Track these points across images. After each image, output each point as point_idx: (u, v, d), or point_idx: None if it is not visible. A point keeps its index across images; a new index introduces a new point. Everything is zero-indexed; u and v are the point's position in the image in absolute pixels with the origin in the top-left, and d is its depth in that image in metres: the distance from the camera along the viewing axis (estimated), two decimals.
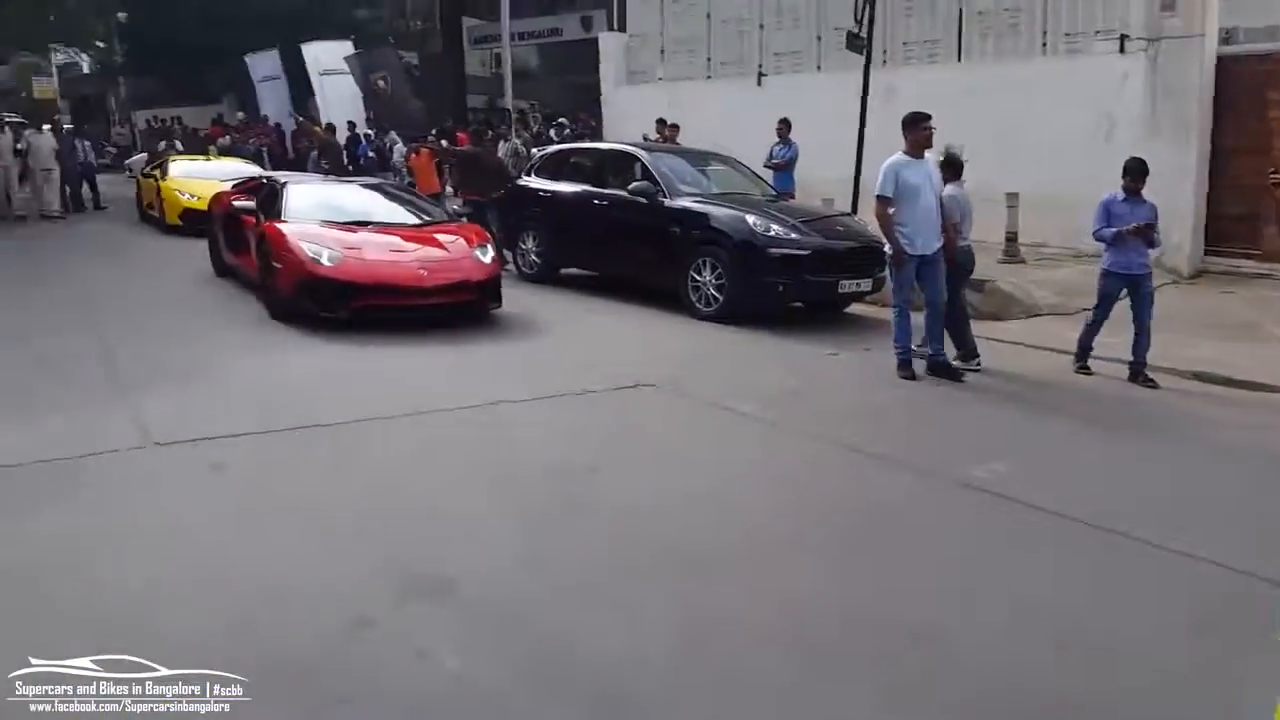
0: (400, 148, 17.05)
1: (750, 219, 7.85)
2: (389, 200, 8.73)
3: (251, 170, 13.87)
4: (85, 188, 15.97)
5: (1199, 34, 9.38)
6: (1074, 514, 3.84)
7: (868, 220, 9.19)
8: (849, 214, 9.34)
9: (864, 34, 10.21)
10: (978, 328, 7.81)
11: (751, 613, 3.01)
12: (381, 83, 20.65)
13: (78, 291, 8.54)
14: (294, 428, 4.68)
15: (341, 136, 19.51)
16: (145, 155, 22.73)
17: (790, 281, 7.67)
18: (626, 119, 14.72)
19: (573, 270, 9.65)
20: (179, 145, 20.18)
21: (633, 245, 8.71)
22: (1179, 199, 9.39)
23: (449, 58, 26.36)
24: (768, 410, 5.29)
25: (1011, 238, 9.79)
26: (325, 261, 6.85)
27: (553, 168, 10.17)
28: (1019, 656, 2.82)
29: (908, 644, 2.84)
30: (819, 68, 13.46)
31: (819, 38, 13.49)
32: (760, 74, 14.08)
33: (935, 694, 2.60)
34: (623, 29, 16.87)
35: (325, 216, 7.69)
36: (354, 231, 7.48)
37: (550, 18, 24.11)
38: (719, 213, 8.04)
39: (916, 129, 6.13)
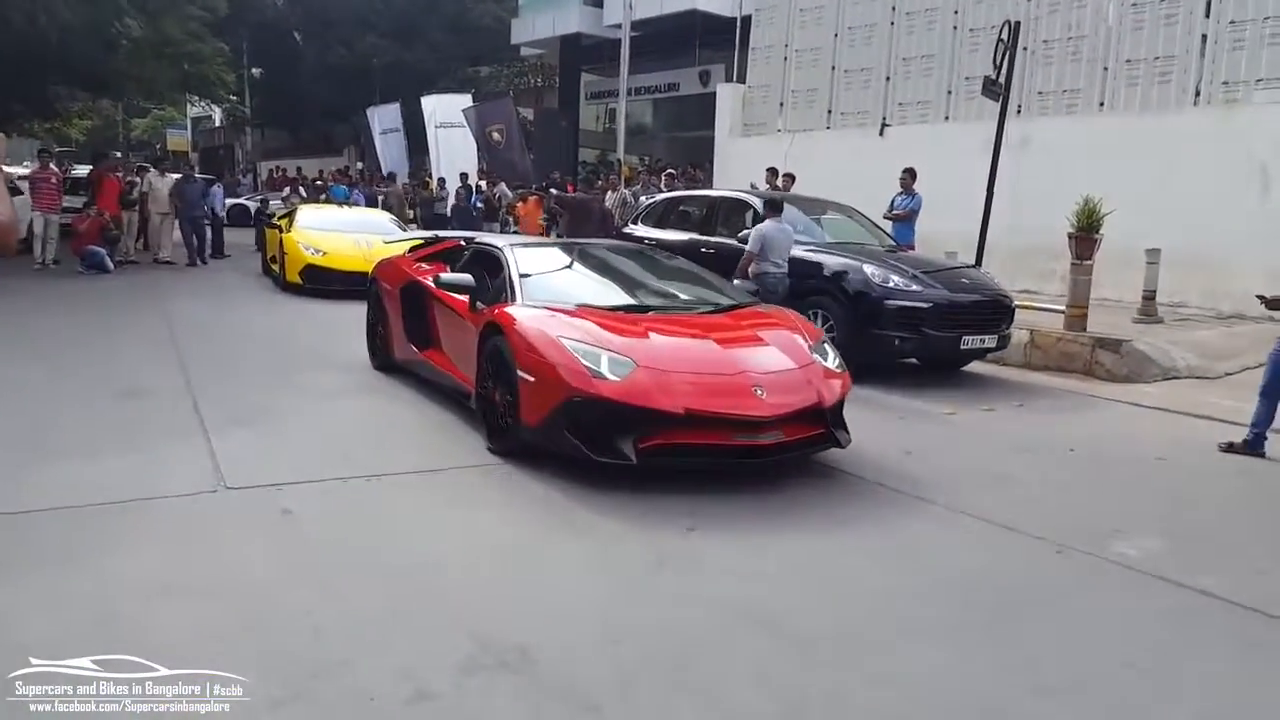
0: (505, 196, 17.67)
1: (868, 269, 7.71)
2: (660, 273, 6.35)
3: (383, 220, 13.28)
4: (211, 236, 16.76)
5: None
6: (1244, 600, 3.51)
7: (994, 272, 8.99)
8: (974, 266, 9.08)
9: (1001, 80, 10.07)
10: (1113, 390, 7.43)
11: (861, 697, 2.79)
12: (496, 134, 21.52)
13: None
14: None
15: (453, 186, 20.54)
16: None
17: (908, 336, 7.44)
18: (738, 171, 14.86)
19: None
20: (303, 192, 21.49)
21: None
22: None
23: (565, 111, 27.50)
24: (879, 474, 5.03)
25: (1149, 296, 9.33)
26: (607, 373, 4.53)
27: (659, 216, 10.30)
28: None
29: None
30: (947, 118, 13.32)
31: (949, 90, 13.40)
32: (884, 124, 14.04)
33: None
34: (741, 81, 17.18)
35: (579, 299, 5.41)
36: (634, 324, 5.08)
37: (667, 73, 24.82)
38: (832, 261, 7.93)
39: None
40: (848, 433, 5.04)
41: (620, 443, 4.47)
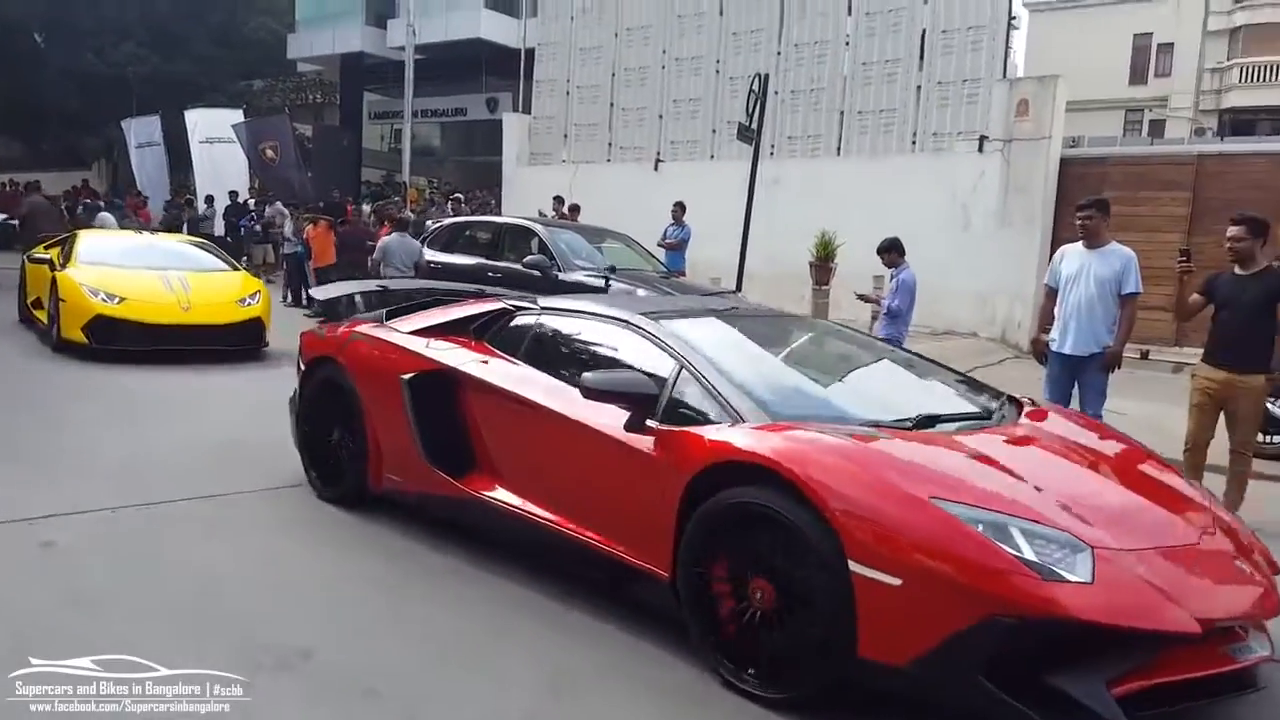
0: (281, 216, 17.54)
1: (640, 293, 8.95)
2: (849, 351, 4.53)
3: (197, 252, 10.45)
4: None
5: (1046, 137, 11.25)
6: None
7: (752, 298, 10.54)
8: (734, 292, 10.60)
9: (754, 127, 11.74)
10: None
11: None
12: (270, 151, 21.33)
13: None
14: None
15: (221, 205, 20.25)
16: None
17: None
18: (527, 198, 15.94)
19: None
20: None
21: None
22: (1024, 283, 11.15)
23: (347, 130, 27.55)
24: None
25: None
26: (1061, 570, 2.64)
27: (446, 240, 11.10)
28: None
29: None
30: (713, 157, 15.06)
31: (714, 130, 15.14)
32: (658, 160, 15.60)
33: None
34: (528, 111, 18.32)
35: (843, 410, 3.57)
36: (985, 457, 3.20)
37: (455, 97, 25.58)
38: (610, 287, 9.12)
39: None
40: None
41: (1076, 688, 2.59)
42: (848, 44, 13.63)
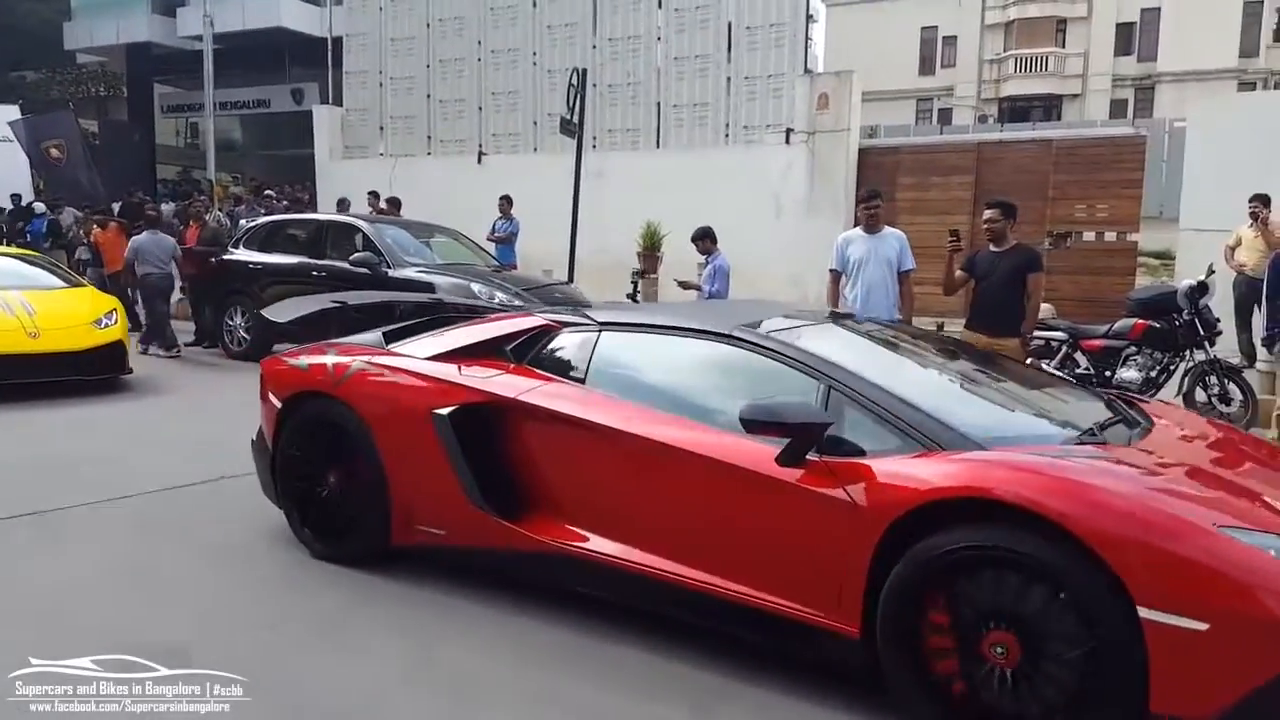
0: (74, 220, 16.56)
1: (475, 286, 9.16)
2: (942, 357, 4.10)
3: (28, 268, 9.21)
4: None
5: (845, 128, 12.23)
6: None
7: (584, 289, 10.94)
8: (567, 283, 10.97)
9: (575, 121, 12.10)
10: None
11: None
12: (56, 150, 19.98)
13: None
14: None
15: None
16: None
17: None
18: (342, 193, 15.65)
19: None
20: None
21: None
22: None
23: (137, 124, 25.94)
24: None
25: None
26: None
27: (263, 239, 10.85)
28: None
29: None
30: (536, 149, 15.34)
31: (535, 122, 15.41)
32: (481, 153, 15.72)
33: None
34: (338, 103, 17.93)
35: (1017, 427, 3.34)
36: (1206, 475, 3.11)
37: (257, 88, 24.63)
38: (443, 281, 9.26)
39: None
40: None
41: None
42: (660, 39, 14.21)
